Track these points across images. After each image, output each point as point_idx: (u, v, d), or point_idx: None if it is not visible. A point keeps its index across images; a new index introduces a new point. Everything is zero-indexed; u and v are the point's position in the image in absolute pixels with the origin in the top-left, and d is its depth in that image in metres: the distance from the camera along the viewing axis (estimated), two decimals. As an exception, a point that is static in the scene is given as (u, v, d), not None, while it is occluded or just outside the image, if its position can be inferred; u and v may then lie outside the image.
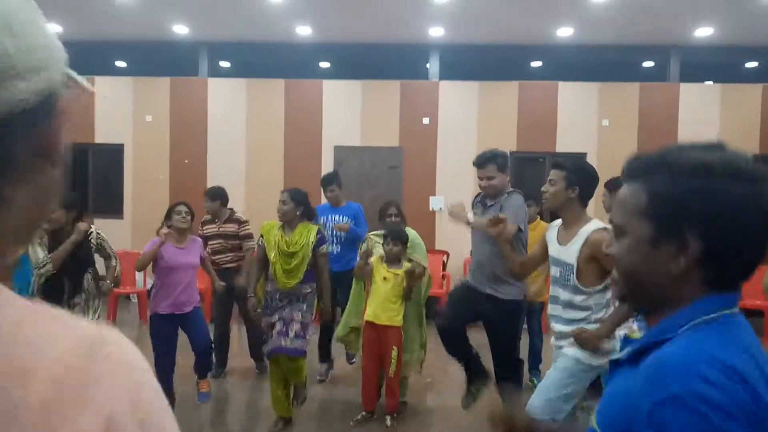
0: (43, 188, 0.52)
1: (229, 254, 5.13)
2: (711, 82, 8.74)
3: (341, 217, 5.18)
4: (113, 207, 8.61)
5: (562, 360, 2.81)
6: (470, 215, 3.61)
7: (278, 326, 3.85)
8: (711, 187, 0.87)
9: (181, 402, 4.12)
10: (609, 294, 2.84)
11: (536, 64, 9.55)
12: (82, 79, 0.58)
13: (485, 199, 3.81)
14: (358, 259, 4.32)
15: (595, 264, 2.75)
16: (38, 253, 3.52)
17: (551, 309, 2.97)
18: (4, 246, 0.51)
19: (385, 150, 8.48)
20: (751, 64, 9.17)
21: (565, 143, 8.40)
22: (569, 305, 2.84)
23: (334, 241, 5.11)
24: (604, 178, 3.34)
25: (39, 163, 0.51)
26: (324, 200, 5.45)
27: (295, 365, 3.92)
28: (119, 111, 8.62)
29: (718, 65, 9.01)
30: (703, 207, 0.87)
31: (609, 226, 2.68)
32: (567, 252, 2.84)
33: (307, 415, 4.26)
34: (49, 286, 3.54)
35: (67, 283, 3.66)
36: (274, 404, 4.04)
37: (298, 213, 3.98)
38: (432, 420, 4.31)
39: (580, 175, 2.89)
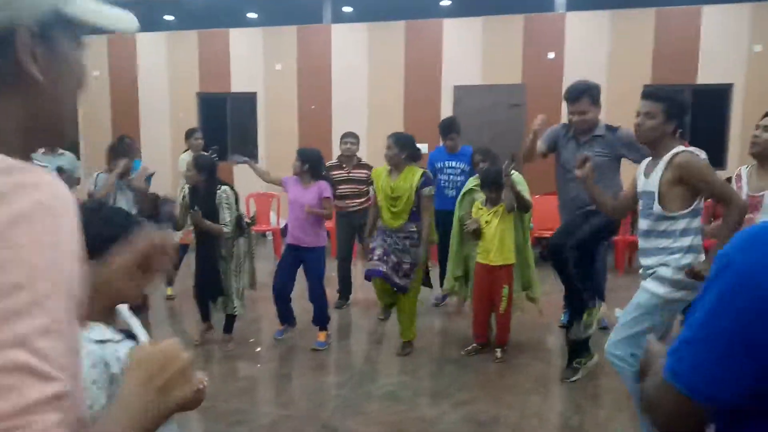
0: (31, 104, 0.65)
1: (357, 200, 5.30)
2: None
3: (457, 163, 5.26)
4: (250, 152, 9.29)
5: (638, 295, 2.75)
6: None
7: (378, 252, 4.14)
8: None
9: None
10: (697, 221, 2.68)
11: (677, -14, 8.66)
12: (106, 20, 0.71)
13: (578, 135, 3.70)
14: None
15: (680, 188, 2.61)
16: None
17: (639, 244, 2.87)
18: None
19: (506, 87, 8.28)
20: None
21: (708, 73, 7.67)
22: (650, 234, 2.73)
23: (450, 186, 5.22)
24: (753, 110, 3.06)
25: (20, 81, 0.63)
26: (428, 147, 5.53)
27: (407, 300, 4.26)
28: (252, 61, 9.17)
29: None
30: None
31: (694, 150, 2.54)
32: (649, 182, 2.71)
33: (425, 342, 4.54)
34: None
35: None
36: (379, 296, 4.45)
37: (403, 157, 4.17)
38: (540, 356, 4.35)
39: (679, 109, 2.68)
